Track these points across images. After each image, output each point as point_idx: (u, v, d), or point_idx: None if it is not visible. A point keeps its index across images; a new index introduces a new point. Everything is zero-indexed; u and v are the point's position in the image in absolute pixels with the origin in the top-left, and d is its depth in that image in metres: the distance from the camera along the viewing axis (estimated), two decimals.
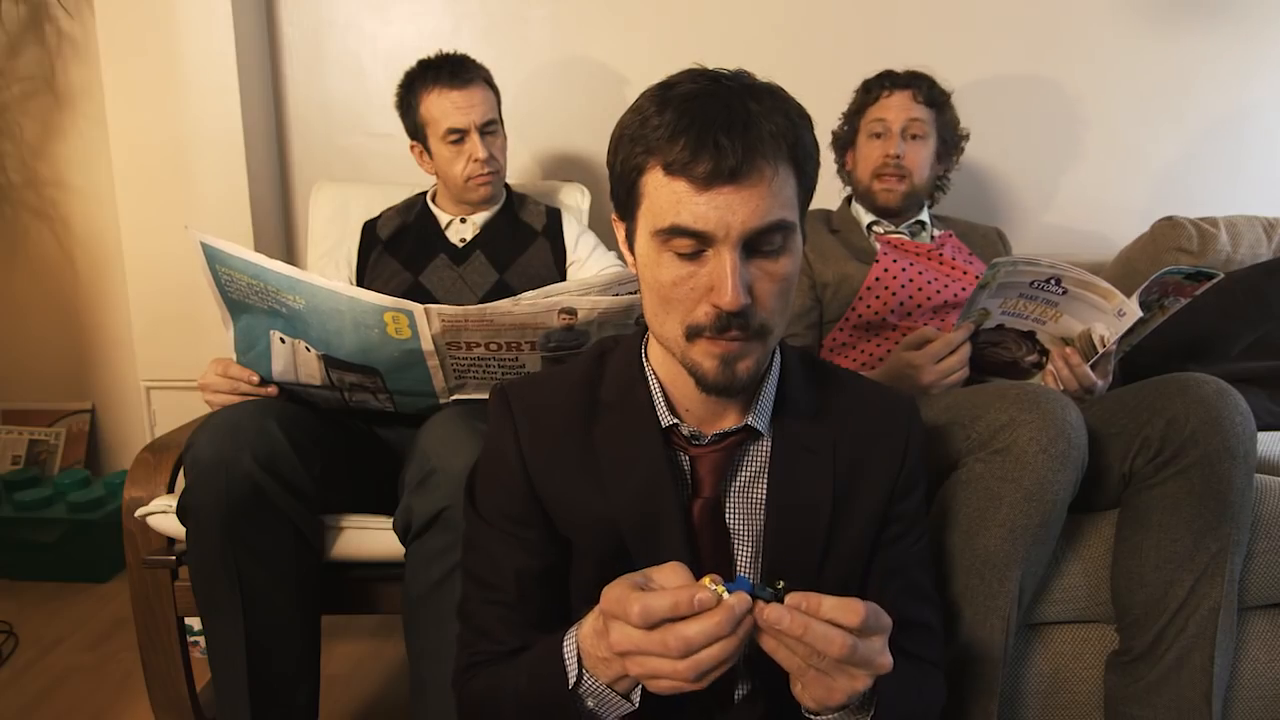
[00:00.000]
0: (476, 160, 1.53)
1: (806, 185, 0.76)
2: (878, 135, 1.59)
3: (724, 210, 0.70)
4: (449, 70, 1.53)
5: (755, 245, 0.73)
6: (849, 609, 0.65)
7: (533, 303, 1.10)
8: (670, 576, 0.67)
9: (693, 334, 0.75)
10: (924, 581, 0.90)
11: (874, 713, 0.73)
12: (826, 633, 0.64)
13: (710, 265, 0.72)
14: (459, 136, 1.53)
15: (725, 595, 0.64)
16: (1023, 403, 1.06)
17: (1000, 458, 1.05)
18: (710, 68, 0.76)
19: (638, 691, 0.72)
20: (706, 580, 0.66)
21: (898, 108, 1.57)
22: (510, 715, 0.78)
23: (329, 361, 1.18)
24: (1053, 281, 1.19)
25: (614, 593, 0.67)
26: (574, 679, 0.72)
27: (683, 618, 0.64)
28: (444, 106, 1.52)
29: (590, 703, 0.73)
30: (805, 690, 0.69)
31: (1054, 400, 1.06)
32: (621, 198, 0.78)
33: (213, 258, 1.13)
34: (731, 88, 0.72)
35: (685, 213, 0.71)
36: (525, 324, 1.12)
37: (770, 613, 0.64)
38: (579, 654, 0.72)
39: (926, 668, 0.87)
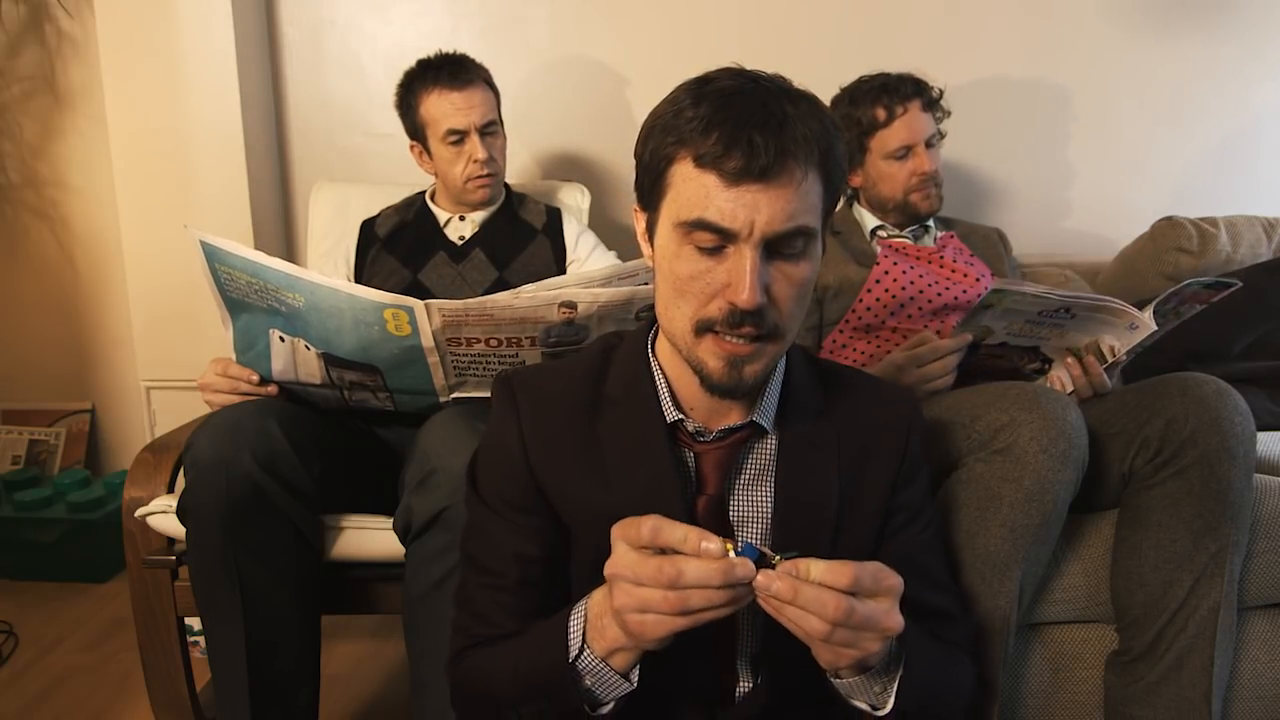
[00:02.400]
0: (476, 161, 1.53)
1: (832, 194, 0.76)
2: (901, 158, 1.56)
3: (750, 208, 0.70)
4: (448, 71, 1.53)
5: (776, 248, 0.73)
6: (838, 571, 0.65)
7: (533, 295, 1.11)
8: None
9: (702, 328, 0.75)
10: (935, 568, 0.90)
11: (901, 674, 0.73)
12: (819, 595, 0.64)
13: (730, 262, 0.72)
14: (458, 138, 1.53)
15: (732, 555, 0.65)
16: (1023, 403, 1.06)
17: (1001, 457, 1.05)
18: (748, 68, 0.76)
19: (636, 671, 0.72)
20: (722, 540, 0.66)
21: (914, 126, 1.55)
22: (506, 689, 0.78)
23: (329, 360, 1.18)
24: (1062, 310, 1.17)
25: (628, 517, 0.68)
26: (575, 652, 0.72)
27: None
28: (443, 108, 1.52)
29: (588, 681, 0.73)
30: (816, 653, 0.69)
31: (1054, 400, 1.06)
32: (646, 187, 0.78)
33: (212, 256, 1.13)
34: (769, 88, 0.72)
35: (712, 207, 0.71)
36: (526, 318, 1.12)
37: (760, 578, 0.65)
38: (584, 628, 0.73)
39: (949, 649, 0.87)
